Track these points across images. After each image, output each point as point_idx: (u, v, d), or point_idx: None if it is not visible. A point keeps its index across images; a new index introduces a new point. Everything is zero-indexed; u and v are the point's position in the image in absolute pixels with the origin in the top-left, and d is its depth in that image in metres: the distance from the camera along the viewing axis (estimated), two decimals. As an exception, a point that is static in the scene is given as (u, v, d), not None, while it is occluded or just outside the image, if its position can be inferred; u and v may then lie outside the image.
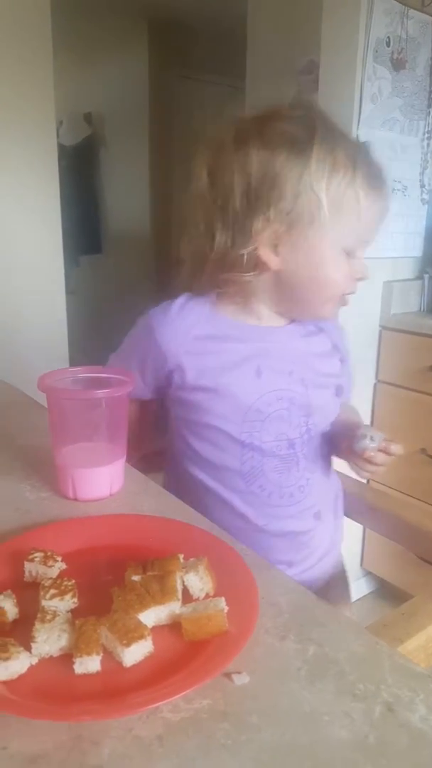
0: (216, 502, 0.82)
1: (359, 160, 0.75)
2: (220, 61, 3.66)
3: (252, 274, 0.77)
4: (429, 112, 1.87)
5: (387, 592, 2.09)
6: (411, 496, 1.93)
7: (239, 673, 0.44)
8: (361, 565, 2.11)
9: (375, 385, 2.06)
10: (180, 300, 0.82)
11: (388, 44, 1.69)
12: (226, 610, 0.48)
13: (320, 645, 0.47)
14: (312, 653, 0.46)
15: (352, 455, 0.81)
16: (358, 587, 2.10)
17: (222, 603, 0.49)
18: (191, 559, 0.54)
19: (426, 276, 2.06)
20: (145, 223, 4.00)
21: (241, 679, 0.44)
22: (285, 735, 0.39)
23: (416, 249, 2.05)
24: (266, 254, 0.75)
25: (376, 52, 1.66)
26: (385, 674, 0.43)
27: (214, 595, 0.51)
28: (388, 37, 1.68)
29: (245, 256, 0.75)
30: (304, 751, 0.37)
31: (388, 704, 0.40)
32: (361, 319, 1.95)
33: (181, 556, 0.55)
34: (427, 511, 0.88)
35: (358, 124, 1.70)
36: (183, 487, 0.83)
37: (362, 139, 1.67)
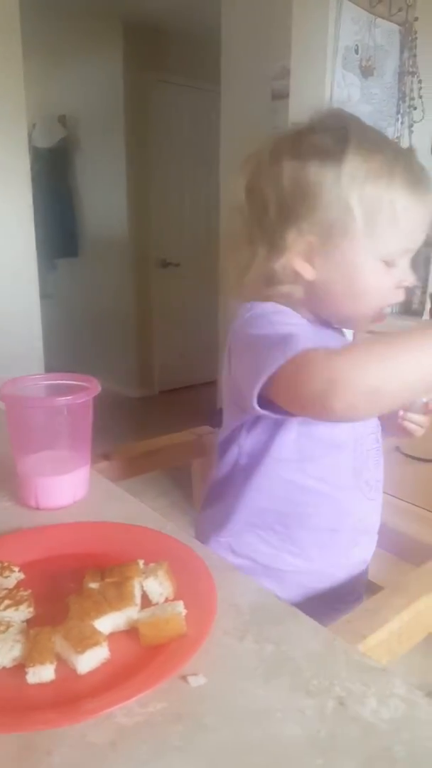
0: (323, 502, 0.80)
1: (398, 165, 0.72)
2: (195, 65, 3.69)
3: (289, 285, 0.75)
4: (398, 118, 1.89)
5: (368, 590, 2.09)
6: (387, 494, 1.94)
7: (195, 675, 0.44)
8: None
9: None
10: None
11: (356, 51, 1.71)
12: (184, 614, 0.48)
13: (278, 644, 0.47)
14: (269, 652, 0.46)
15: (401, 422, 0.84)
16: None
17: (180, 606, 0.49)
18: (151, 564, 0.54)
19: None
20: (123, 226, 4.00)
21: (197, 681, 0.43)
22: (238, 733, 0.39)
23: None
24: (301, 265, 0.73)
25: (345, 59, 1.68)
26: (340, 670, 0.43)
27: (174, 599, 0.51)
28: (357, 45, 1.70)
29: (281, 268, 0.73)
30: (256, 748, 0.37)
31: (341, 699, 0.40)
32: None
33: (141, 562, 0.54)
34: (400, 509, 0.89)
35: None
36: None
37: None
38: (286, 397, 0.65)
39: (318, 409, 0.63)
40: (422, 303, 2.00)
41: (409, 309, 2.06)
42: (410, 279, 0.76)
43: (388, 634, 0.62)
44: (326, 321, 0.80)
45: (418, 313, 2.01)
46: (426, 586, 0.70)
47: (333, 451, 0.77)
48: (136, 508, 0.71)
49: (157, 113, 3.89)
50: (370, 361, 0.62)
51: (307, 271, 0.73)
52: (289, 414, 0.67)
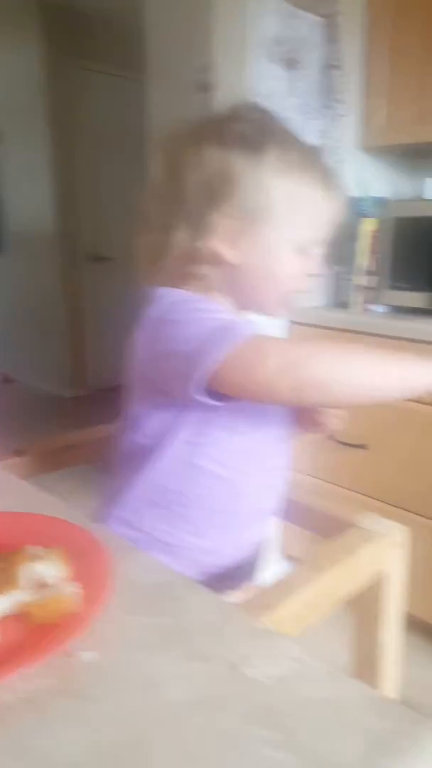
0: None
1: (313, 162, 0.78)
2: (119, 53, 3.62)
3: (210, 267, 0.77)
4: (323, 111, 1.92)
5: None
6: (327, 482, 1.98)
7: (87, 650, 0.43)
8: (283, 551, 2.13)
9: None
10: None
11: (279, 43, 1.72)
12: (78, 593, 0.47)
13: (175, 617, 0.46)
14: (166, 625, 0.45)
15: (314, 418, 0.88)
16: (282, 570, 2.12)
17: (73, 586, 0.48)
18: (44, 549, 0.53)
19: (334, 271, 2.12)
20: (50, 219, 3.91)
21: (88, 656, 0.42)
22: (125, 702, 0.38)
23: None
24: (223, 248, 0.76)
25: (268, 51, 1.69)
26: (236, 638, 0.43)
27: (71, 581, 0.50)
28: (280, 37, 1.71)
29: (203, 250, 0.75)
30: (141, 714, 0.37)
31: (232, 663, 0.40)
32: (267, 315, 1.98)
33: (31, 548, 0.53)
34: (325, 489, 0.90)
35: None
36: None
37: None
38: (235, 382, 0.67)
39: (266, 392, 0.68)
40: (351, 296, 2.04)
41: (338, 302, 2.10)
42: (320, 268, 0.81)
43: (298, 605, 0.63)
44: (240, 307, 0.82)
45: (346, 305, 2.05)
46: (336, 558, 0.71)
47: (233, 436, 0.79)
48: (35, 495, 0.70)
49: (81, 101, 3.80)
50: (328, 356, 0.69)
51: (230, 255, 0.76)
52: (228, 399, 0.69)
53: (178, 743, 0.35)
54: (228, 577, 0.85)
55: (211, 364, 0.65)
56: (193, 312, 0.74)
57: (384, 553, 0.78)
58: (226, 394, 0.69)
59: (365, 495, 1.91)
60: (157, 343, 0.73)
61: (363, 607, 0.83)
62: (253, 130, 0.74)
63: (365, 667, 0.85)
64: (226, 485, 0.80)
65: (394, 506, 1.85)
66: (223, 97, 1.75)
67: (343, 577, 0.71)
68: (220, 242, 0.75)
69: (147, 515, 0.80)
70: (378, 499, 1.89)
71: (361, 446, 1.88)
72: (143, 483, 0.80)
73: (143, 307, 0.80)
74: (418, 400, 1.69)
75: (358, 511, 0.83)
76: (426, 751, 0.34)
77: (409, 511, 1.82)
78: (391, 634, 0.83)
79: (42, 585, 0.49)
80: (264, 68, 1.70)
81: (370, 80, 2.01)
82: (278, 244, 0.76)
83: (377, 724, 0.36)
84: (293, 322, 2.03)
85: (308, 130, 1.89)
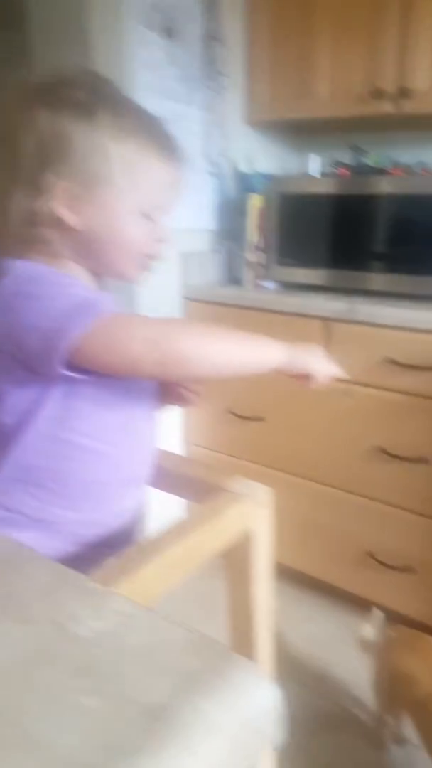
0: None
1: (149, 128, 0.78)
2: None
3: (53, 231, 0.76)
4: (206, 83, 1.93)
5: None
6: (227, 455, 2.04)
7: None
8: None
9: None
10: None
11: (157, 10, 1.71)
12: None
13: (10, 585, 0.48)
14: (1, 594, 0.47)
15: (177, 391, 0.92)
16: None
17: None
18: None
19: (221, 248, 2.15)
20: None
21: None
22: None
23: (209, 222, 2.13)
24: (64, 212, 0.75)
25: (146, 17, 1.67)
26: (64, 598, 0.45)
27: None
28: (158, 4, 1.70)
29: (43, 211, 0.75)
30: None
31: (59, 622, 0.42)
32: (162, 289, 2.01)
33: None
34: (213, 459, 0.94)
35: (134, 92, 1.72)
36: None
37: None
38: (99, 357, 0.70)
39: (130, 367, 0.72)
40: (243, 272, 2.08)
41: (231, 278, 2.15)
42: (167, 235, 0.83)
43: (160, 566, 0.67)
44: (94, 273, 0.83)
45: (239, 282, 2.09)
46: (200, 520, 0.75)
47: (100, 408, 0.80)
48: None
49: None
50: (191, 334, 0.75)
51: (70, 218, 0.76)
52: (93, 374, 0.71)
53: None
54: (107, 546, 0.86)
55: (74, 339, 0.67)
56: (52, 286, 0.74)
57: (249, 513, 0.82)
58: (90, 369, 0.71)
59: (259, 464, 1.98)
60: (15, 317, 0.72)
61: (233, 564, 0.87)
62: (85, 95, 0.74)
63: (240, 616, 0.90)
64: (96, 457, 0.81)
65: (286, 473, 1.93)
66: (102, 62, 1.73)
67: (208, 538, 0.75)
68: (59, 205, 0.75)
69: (17, 494, 0.80)
70: (270, 467, 1.98)
71: (259, 419, 1.95)
72: (10, 463, 0.79)
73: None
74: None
75: (226, 475, 0.87)
76: (232, 685, 0.38)
77: (296, 476, 1.92)
78: (261, 586, 0.89)
79: None
80: (141, 34, 1.69)
81: (252, 54, 2.04)
82: (120, 209, 0.77)
83: (190, 664, 0.39)
84: (187, 298, 2.06)
85: (192, 101, 1.90)
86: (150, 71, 1.74)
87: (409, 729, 1.37)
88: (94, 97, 0.74)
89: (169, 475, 0.92)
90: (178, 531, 0.72)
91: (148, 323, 0.75)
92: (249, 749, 0.37)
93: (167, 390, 0.92)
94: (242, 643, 0.91)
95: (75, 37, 1.99)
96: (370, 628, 1.49)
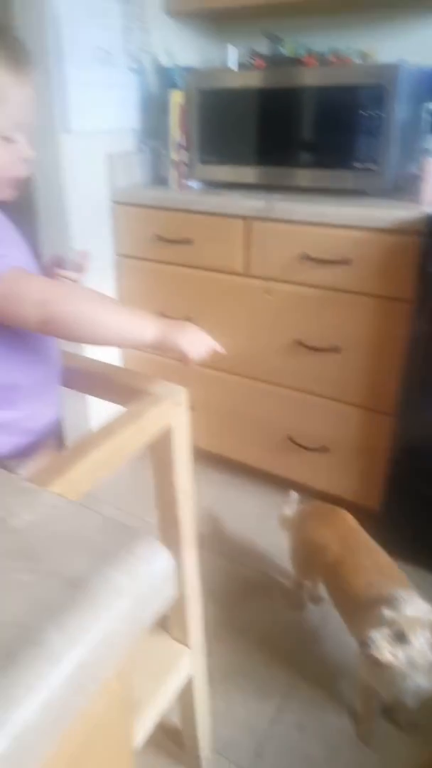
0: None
1: None
2: None
3: None
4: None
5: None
6: (155, 354, 2.12)
7: None
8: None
9: (115, 259, 2.15)
10: None
11: None
12: None
13: None
14: None
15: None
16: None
17: None
18: None
19: (145, 147, 2.13)
20: None
21: None
22: None
23: (133, 121, 2.09)
24: None
25: None
26: (3, 496, 0.55)
27: None
28: None
29: None
30: None
31: (1, 518, 0.53)
32: (90, 194, 1.99)
33: None
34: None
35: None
36: None
37: (57, 2, 1.64)
38: None
39: (18, 321, 0.81)
40: (169, 172, 2.08)
41: (158, 178, 2.15)
42: (28, 152, 0.86)
43: (90, 464, 0.77)
44: None
45: (166, 182, 2.10)
46: (125, 422, 0.85)
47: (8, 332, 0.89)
48: None
49: None
50: (77, 300, 0.84)
51: None
52: None
53: None
54: (49, 432, 1.01)
55: None
56: None
57: (168, 412, 0.93)
58: None
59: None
60: None
61: (157, 456, 0.99)
62: None
63: (165, 500, 1.03)
64: (18, 366, 0.92)
65: (212, 369, 2.03)
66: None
67: (132, 437, 0.86)
68: None
69: None
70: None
71: (187, 318, 2.03)
72: None
73: None
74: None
75: (148, 380, 0.97)
76: (136, 557, 0.49)
77: (221, 371, 2.03)
78: (182, 474, 1.01)
79: None
80: None
81: None
82: None
83: (105, 543, 0.50)
84: (115, 202, 2.06)
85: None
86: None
87: (322, 590, 1.58)
88: None
89: (98, 381, 1.01)
90: (104, 433, 0.82)
91: (39, 285, 0.83)
92: (149, 605, 0.49)
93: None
94: (168, 523, 1.05)
95: None
96: (287, 508, 1.68)
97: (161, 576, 0.51)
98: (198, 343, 0.92)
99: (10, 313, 0.80)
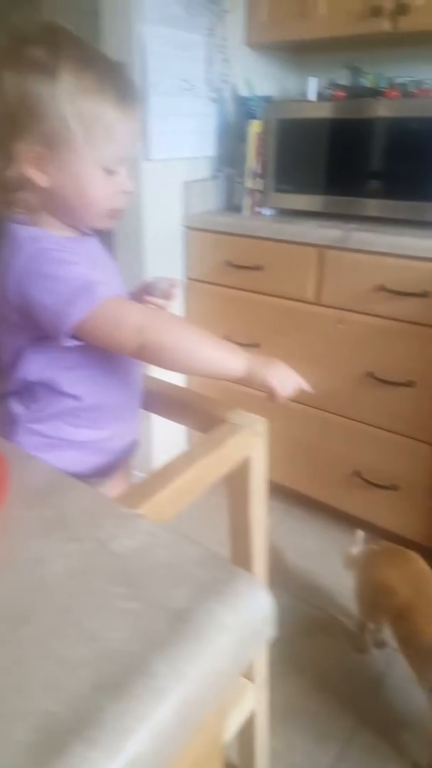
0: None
1: (108, 80, 0.81)
2: None
3: (27, 193, 0.83)
4: (209, 7, 1.89)
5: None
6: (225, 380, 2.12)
7: (-14, 541, 0.54)
8: (189, 442, 2.31)
9: (184, 283, 2.17)
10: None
11: None
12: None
13: (57, 508, 0.57)
14: (49, 516, 0.56)
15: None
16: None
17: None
18: None
19: (221, 175, 2.16)
20: None
21: (-14, 546, 0.53)
22: (15, 577, 0.49)
23: (210, 149, 2.12)
24: (33, 173, 0.81)
25: None
26: (103, 521, 0.55)
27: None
28: None
29: (14, 176, 0.81)
30: (28, 585, 0.48)
31: (99, 540, 0.52)
32: (165, 219, 2.03)
33: None
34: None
35: (140, 21, 1.70)
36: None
37: (146, 36, 1.69)
38: (94, 336, 0.82)
39: (116, 346, 0.84)
40: (242, 199, 2.10)
41: (231, 205, 2.17)
42: (129, 185, 0.89)
43: (173, 491, 0.77)
44: (68, 225, 0.90)
45: (239, 209, 2.11)
46: (205, 450, 0.84)
47: (105, 356, 0.92)
48: None
49: None
50: (174, 331, 0.86)
51: (40, 179, 0.83)
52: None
53: (57, 603, 0.46)
54: (125, 453, 1.04)
55: (76, 321, 0.79)
56: (56, 265, 0.82)
57: (247, 442, 0.92)
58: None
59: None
60: (27, 291, 0.81)
61: (233, 486, 0.98)
62: (46, 54, 0.77)
63: (239, 532, 1.02)
64: (107, 389, 0.95)
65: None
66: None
67: (212, 466, 0.85)
68: (29, 168, 0.81)
69: (54, 424, 0.93)
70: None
71: (255, 345, 2.03)
72: (44, 404, 0.92)
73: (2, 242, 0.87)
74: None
75: (227, 407, 0.96)
76: (236, 593, 0.48)
77: (290, 400, 2.00)
78: (257, 506, 1.00)
79: None
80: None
81: (252, -27, 1.99)
82: (82, 166, 0.83)
83: (204, 576, 0.49)
84: (187, 227, 2.09)
85: (194, 26, 1.87)
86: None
87: (387, 635, 1.52)
88: (56, 55, 0.77)
89: (178, 407, 1.02)
90: (187, 460, 0.82)
91: (139, 312, 0.85)
92: (250, 645, 0.47)
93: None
94: (241, 554, 1.03)
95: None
96: (353, 547, 1.63)
97: (262, 616, 0.49)
98: (287, 380, 0.91)
99: (111, 338, 0.82)
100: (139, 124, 0.88)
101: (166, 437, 2.17)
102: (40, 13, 2.32)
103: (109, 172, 0.85)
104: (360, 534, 1.65)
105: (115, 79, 0.82)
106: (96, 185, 0.85)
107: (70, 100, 0.77)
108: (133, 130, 0.87)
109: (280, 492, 2.05)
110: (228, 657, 0.45)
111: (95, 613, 0.45)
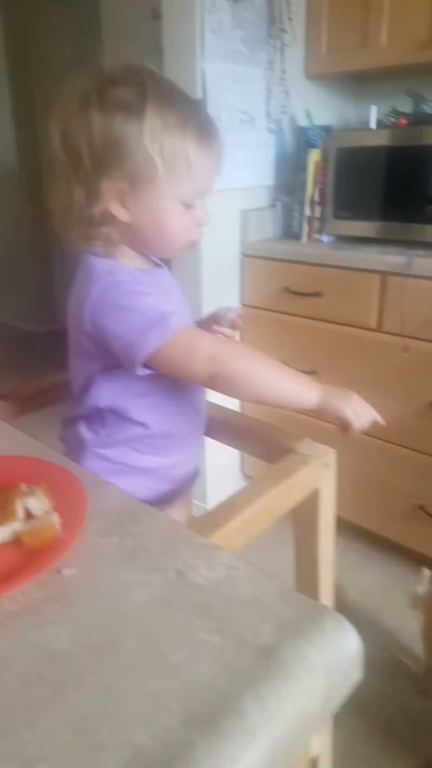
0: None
1: (190, 118, 0.83)
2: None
3: (108, 227, 0.87)
4: (269, 42, 1.92)
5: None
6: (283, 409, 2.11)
7: (68, 567, 0.54)
8: (241, 470, 2.30)
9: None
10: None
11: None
12: (58, 521, 0.58)
13: (136, 537, 0.57)
14: (129, 544, 0.56)
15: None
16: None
17: (55, 516, 0.58)
18: (32, 486, 0.63)
19: (278, 203, 2.17)
20: (11, 154, 3.85)
21: (69, 572, 0.54)
22: (99, 605, 0.49)
23: (268, 178, 2.14)
24: (116, 209, 0.85)
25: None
26: (182, 550, 0.55)
27: (52, 512, 0.61)
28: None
29: (99, 213, 0.84)
30: (112, 613, 0.48)
31: (180, 571, 0.52)
32: (223, 247, 2.05)
33: (24, 486, 0.63)
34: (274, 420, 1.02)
35: (202, 58, 1.74)
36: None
37: (207, 73, 1.72)
38: (167, 366, 0.83)
39: (189, 376, 0.85)
40: (300, 226, 2.11)
41: (289, 233, 2.17)
42: (205, 218, 0.91)
43: (242, 521, 0.76)
44: (145, 254, 0.94)
45: (298, 236, 2.12)
46: (275, 481, 0.83)
47: (173, 385, 0.94)
48: (24, 440, 0.80)
49: (42, 33, 3.69)
50: (246, 360, 0.86)
51: (122, 214, 0.86)
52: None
53: (141, 633, 0.46)
54: (188, 481, 1.05)
55: (150, 351, 0.80)
56: (130, 297, 0.84)
57: (316, 473, 0.90)
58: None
59: (314, 417, 2.05)
60: (101, 321, 0.84)
61: (301, 519, 0.97)
62: (132, 95, 0.80)
63: (306, 566, 1.00)
64: (174, 417, 0.97)
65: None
66: (170, 29, 1.75)
67: (281, 497, 0.84)
68: (111, 204, 0.84)
69: (122, 450, 0.95)
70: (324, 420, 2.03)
71: (311, 372, 2.01)
72: (112, 430, 0.94)
73: (77, 272, 0.91)
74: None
75: (296, 438, 0.95)
76: (323, 632, 0.47)
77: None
78: (325, 540, 0.98)
79: (30, 516, 0.60)
80: (209, 2, 1.70)
81: (311, 6, 2.02)
82: (162, 201, 0.85)
83: (288, 612, 0.48)
84: (244, 255, 2.10)
85: (254, 61, 1.90)
86: (217, 36, 1.75)
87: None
88: (142, 95, 0.80)
89: (244, 435, 1.01)
90: (255, 490, 0.81)
91: (211, 341, 0.86)
92: (339, 686, 0.46)
93: None
94: (308, 590, 1.01)
95: (143, 6, 2.00)
96: (419, 586, 1.57)
97: (351, 656, 0.48)
98: (362, 412, 0.89)
99: (184, 367, 0.83)
100: (219, 159, 0.89)
101: (220, 465, 2.16)
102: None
103: (188, 206, 0.87)
104: (426, 573, 1.59)
105: (196, 115, 0.85)
106: (175, 219, 0.87)
107: (155, 138, 0.80)
108: (213, 165, 0.88)
109: (339, 525, 1.99)
110: (318, 697, 0.44)
111: (180, 645, 0.45)
